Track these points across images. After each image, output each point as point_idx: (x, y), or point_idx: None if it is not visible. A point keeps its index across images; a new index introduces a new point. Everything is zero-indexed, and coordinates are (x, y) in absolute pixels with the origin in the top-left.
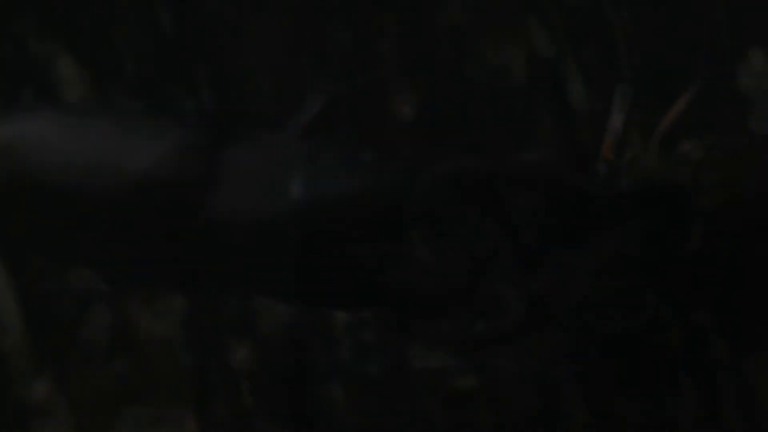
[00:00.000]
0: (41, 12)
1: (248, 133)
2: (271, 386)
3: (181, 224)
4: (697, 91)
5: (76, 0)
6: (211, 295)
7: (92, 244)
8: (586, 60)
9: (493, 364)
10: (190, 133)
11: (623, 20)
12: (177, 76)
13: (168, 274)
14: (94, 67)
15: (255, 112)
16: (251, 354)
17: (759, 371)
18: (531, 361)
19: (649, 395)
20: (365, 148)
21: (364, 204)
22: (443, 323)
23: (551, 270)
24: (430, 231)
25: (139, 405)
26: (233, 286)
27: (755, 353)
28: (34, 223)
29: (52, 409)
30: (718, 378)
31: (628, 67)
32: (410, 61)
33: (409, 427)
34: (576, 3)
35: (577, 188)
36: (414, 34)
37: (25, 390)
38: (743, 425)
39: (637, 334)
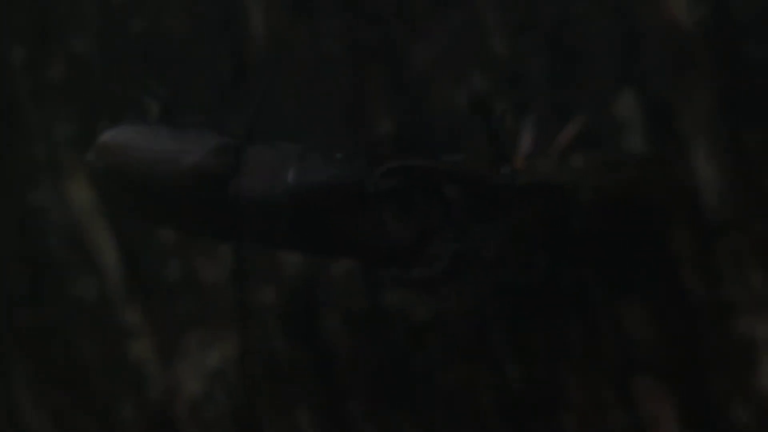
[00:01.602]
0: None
1: (262, 141)
2: (289, 317)
3: (218, 198)
4: (583, 120)
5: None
6: (245, 248)
7: (163, 211)
8: (510, 97)
9: (440, 303)
10: (224, 139)
11: (538, 70)
12: (225, 105)
13: (213, 231)
14: (168, 103)
15: (275, 130)
16: (276, 293)
17: (627, 311)
18: (466, 301)
19: (547, 328)
20: (341, 150)
21: (337, 187)
22: (393, 269)
23: (470, 236)
24: (385, 206)
25: (200, 328)
26: (254, 240)
27: (624, 298)
28: (125, 195)
29: (139, 331)
30: (597, 315)
31: (536, 103)
32: (390, 94)
33: (382, 349)
34: (502, 59)
35: (487, 181)
36: (393, 77)
37: (120, 317)
38: (617, 350)
39: (534, 284)
